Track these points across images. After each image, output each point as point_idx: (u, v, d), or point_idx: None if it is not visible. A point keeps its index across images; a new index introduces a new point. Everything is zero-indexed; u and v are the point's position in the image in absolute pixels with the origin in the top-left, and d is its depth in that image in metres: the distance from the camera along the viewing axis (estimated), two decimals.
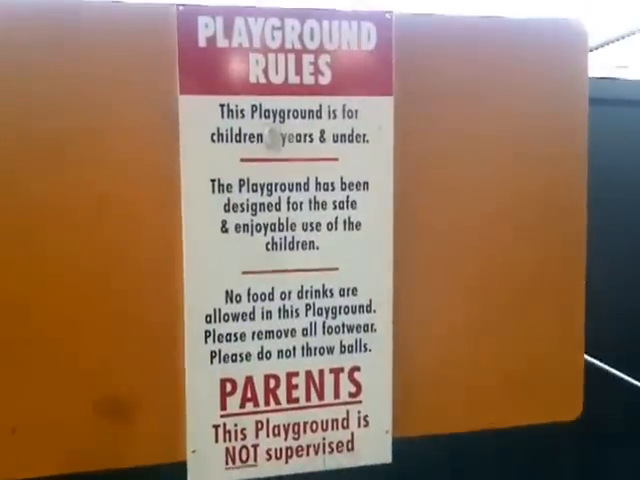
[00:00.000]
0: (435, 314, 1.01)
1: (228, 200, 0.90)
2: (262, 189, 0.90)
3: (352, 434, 0.96)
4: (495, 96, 1.01)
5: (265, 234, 0.91)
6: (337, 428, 0.96)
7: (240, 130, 0.89)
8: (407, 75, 0.95)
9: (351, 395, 0.96)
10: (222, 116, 0.88)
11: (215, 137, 0.89)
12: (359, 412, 0.97)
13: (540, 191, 1.04)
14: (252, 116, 0.89)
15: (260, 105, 0.90)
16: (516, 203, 1.03)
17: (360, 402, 0.97)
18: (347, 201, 0.93)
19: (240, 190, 0.90)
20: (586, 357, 1.10)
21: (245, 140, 0.89)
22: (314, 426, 0.95)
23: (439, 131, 0.98)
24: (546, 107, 1.04)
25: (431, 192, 0.98)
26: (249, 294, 0.91)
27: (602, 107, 1.09)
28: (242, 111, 0.89)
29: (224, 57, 0.88)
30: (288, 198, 0.91)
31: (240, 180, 0.90)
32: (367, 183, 0.94)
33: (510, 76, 1.02)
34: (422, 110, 0.97)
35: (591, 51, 1.11)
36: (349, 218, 0.94)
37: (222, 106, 0.88)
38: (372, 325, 0.96)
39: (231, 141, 0.89)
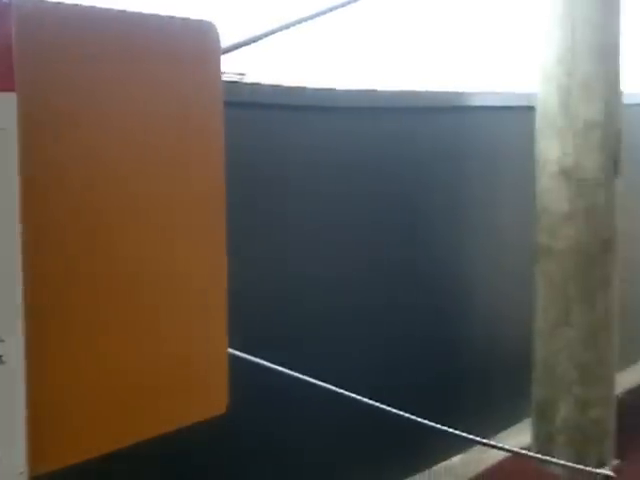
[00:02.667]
0: (74, 330, 0.93)
1: None
2: None
3: None
4: (126, 95, 0.96)
5: None
6: None
7: None
8: (32, 69, 0.83)
9: None
10: None
11: None
12: None
13: (177, 194, 1.04)
14: None
15: None
16: (155, 204, 1.01)
17: None
18: None
19: None
20: (230, 350, 1.15)
21: None
22: None
23: (71, 134, 0.89)
24: (179, 111, 1.03)
25: (68, 204, 0.89)
26: None
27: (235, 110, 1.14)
28: None
29: None
30: None
31: None
32: None
33: (141, 75, 0.98)
34: (54, 109, 0.86)
35: (224, 54, 1.14)
36: None
37: None
38: (0, 357, 0.83)
39: None
